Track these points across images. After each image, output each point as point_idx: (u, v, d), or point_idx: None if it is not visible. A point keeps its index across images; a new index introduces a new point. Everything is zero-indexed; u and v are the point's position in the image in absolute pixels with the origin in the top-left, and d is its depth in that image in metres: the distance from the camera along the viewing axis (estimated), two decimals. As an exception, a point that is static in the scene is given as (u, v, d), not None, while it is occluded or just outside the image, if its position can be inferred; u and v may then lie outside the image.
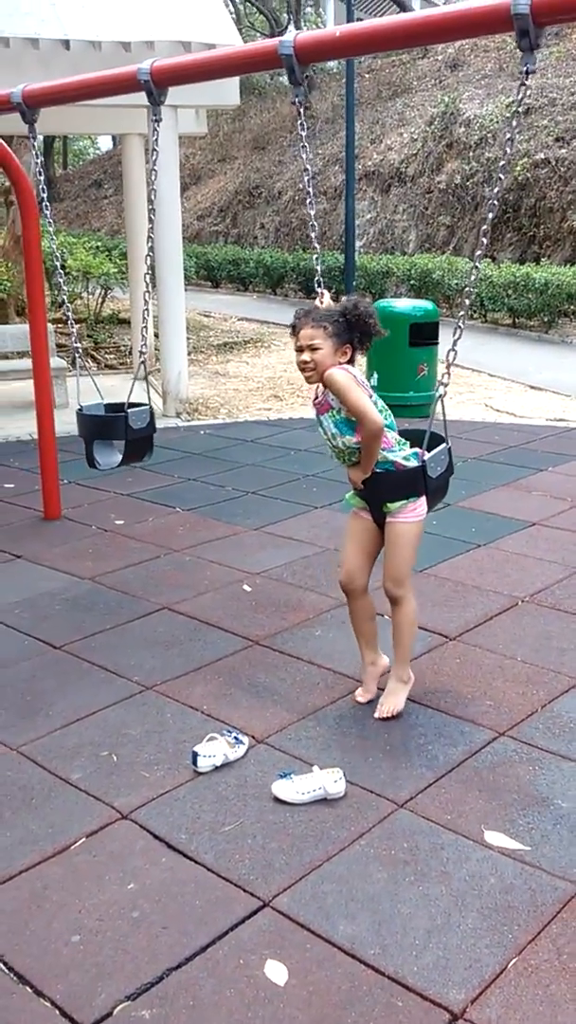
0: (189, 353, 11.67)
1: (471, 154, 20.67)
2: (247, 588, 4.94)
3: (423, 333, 9.15)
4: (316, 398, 3.46)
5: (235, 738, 3.37)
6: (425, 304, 9.50)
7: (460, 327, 3.36)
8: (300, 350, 3.33)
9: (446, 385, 3.38)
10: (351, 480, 3.49)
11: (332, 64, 25.94)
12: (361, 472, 3.41)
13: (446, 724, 3.56)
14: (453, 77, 24.03)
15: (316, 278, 3.67)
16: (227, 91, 9.48)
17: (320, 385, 3.37)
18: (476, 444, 7.99)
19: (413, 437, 3.51)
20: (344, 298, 3.45)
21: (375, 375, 9.23)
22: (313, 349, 3.29)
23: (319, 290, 3.63)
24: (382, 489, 3.43)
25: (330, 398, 3.35)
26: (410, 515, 3.46)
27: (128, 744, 3.47)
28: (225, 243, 26.51)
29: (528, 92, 2.92)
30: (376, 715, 3.59)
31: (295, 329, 3.36)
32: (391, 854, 2.80)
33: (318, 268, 3.72)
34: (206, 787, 3.18)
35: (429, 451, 3.44)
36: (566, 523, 5.88)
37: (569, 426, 8.78)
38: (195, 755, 3.26)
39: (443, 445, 3.51)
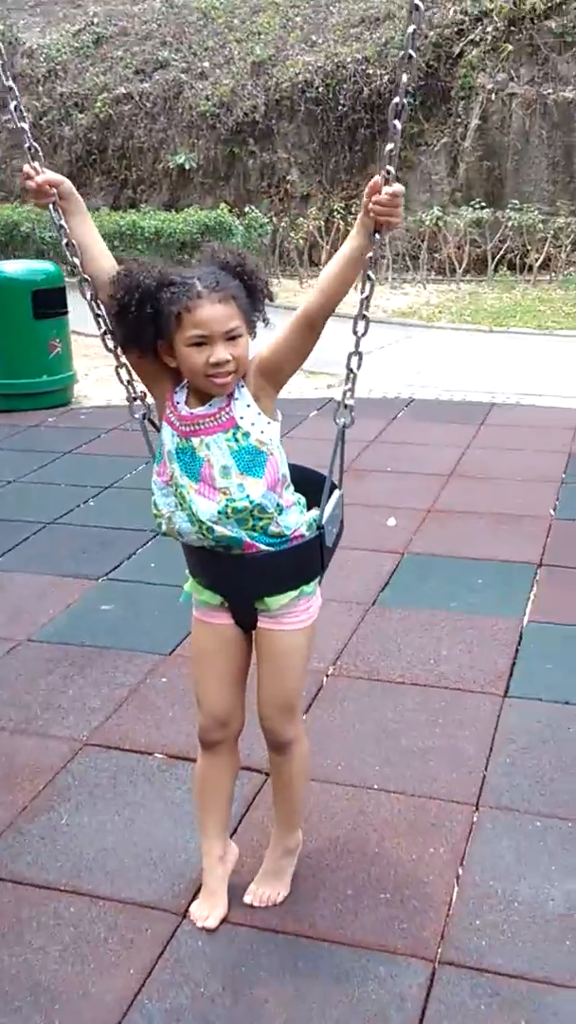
0: None
1: (40, 89, 18.40)
2: None
3: (49, 301, 7.30)
4: (186, 414, 2.13)
5: None
6: (47, 266, 7.67)
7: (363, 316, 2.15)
8: (209, 342, 2.02)
9: (350, 407, 2.23)
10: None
11: None
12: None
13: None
14: (2, 5, 21.34)
15: None
16: None
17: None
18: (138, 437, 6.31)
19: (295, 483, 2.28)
20: (212, 247, 2.18)
21: (-5, 360, 7.19)
22: (234, 339, 2.05)
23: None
24: (265, 576, 2.19)
25: (238, 407, 2.12)
26: (302, 617, 2.25)
27: None
28: None
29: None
30: (250, 901, 2.38)
31: (190, 308, 2.01)
32: None
33: None
34: None
35: (321, 506, 2.25)
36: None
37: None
38: None
39: (336, 494, 2.31)
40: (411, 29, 1.91)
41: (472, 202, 14.39)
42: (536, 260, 13.38)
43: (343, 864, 2.51)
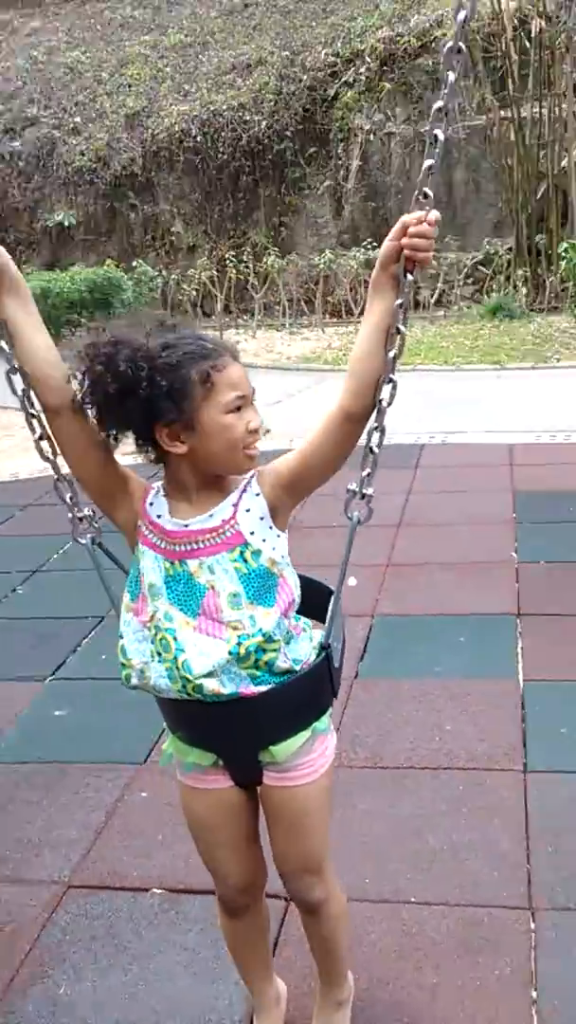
0: None
1: None
2: None
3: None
4: (175, 530, 1.69)
5: None
6: None
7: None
8: (244, 405, 1.65)
9: (368, 498, 1.79)
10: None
11: None
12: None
13: None
14: None
15: None
16: None
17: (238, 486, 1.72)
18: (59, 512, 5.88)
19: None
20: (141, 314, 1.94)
21: None
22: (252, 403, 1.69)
23: None
24: (269, 722, 1.74)
25: (248, 519, 1.68)
26: (318, 763, 1.80)
27: None
28: None
29: None
30: None
31: (219, 367, 1.62)
32: None
33: None
34: None
35: (328, 619, 1.83)
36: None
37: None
38: None
39: (333, 602, 1.83)
40: (462, 16, 1.53)
41: (363, 243, 14.43)
42: (431, 297, 13.46)
43: (399, 1001, 2.16)
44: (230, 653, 1.63)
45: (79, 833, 2.84)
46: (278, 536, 1.70)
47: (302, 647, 1.75)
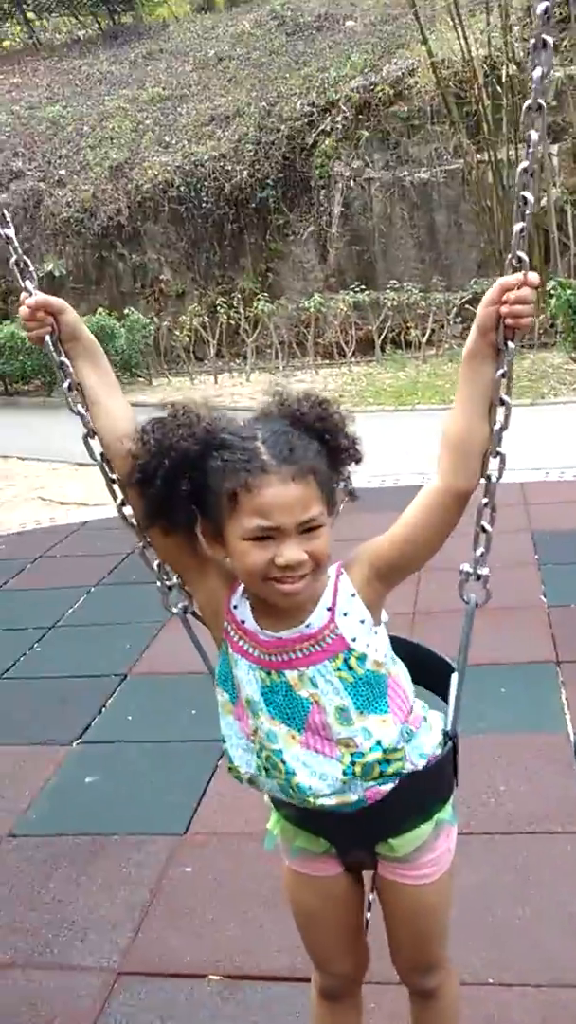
0: None
1: None
2: None
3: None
4: (268, 640, 1.52)
5: None
6: None
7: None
8: (276, 536, 1.42)
9: (484, 579, 1.65)
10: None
11: None
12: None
13: None
14: None
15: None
16: None
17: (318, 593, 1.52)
18: (71, 563, 5.77)
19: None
20: (279, 390, 1.53)
21: None
22: (312, 530, 1.43)
23: None
24: (390, 816, 1.58)
25: (348, 623, 1.50)
26: (443, 860, 1.65)
27: None
28: None
29: None
30: None
31: (251, 486, 1.40)
32: None
33: None
34: None
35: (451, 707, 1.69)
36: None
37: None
38: None
39: (456, 686, 1.70)
40: (538, 73, 1.40)
41: (352, 286, 14.50)
42: (422, 336, 13.51)
43: None
44: (344, 773, 1.50)
45: (125, 913, 2.67)
46: (377, 634, 1.55)
47: (426, 740, 1.61)
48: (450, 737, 1.65)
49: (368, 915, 1.82)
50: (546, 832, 2.84)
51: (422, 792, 1.61)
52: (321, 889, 1.69)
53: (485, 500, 1.58)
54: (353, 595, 1.52)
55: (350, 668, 1.50)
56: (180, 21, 22.93)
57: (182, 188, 16.39)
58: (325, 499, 1.46)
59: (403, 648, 1.66)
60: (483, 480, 1.55)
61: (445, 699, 1.71)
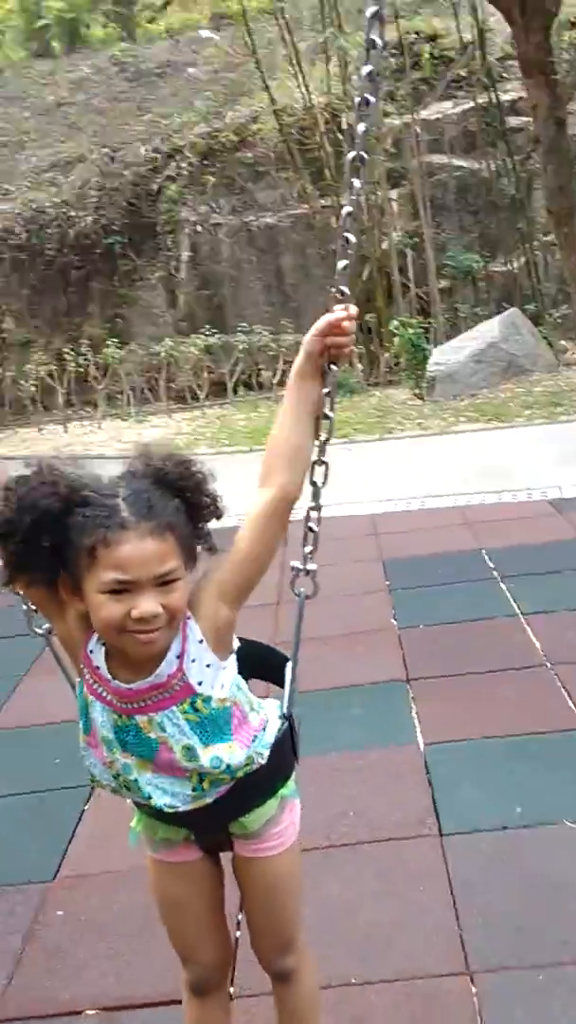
0: None
1: None
2: None
3: None
4: (121, 689, 1.62)
5: None
6: None
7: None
8: (132, 589, 1.51)
9: (312, 573, 1.90)
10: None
11: None
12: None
13: None
14: None
15: None
16: None
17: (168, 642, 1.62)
18: None
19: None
20: (143, 447, 1.65)
21: None
22: (169, 583, 1.52)
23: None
24: (240, 797, 1.74)
25: (195, 669, 1.62)
26: (288, 833, 1.82)
27: None
28: None
29: None
30: None
31: (108, 542, 1.49)
32: None
33: None
34: None
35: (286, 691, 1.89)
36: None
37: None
38: None
39: (290, 671, 1.89)
40: (361, 128, 1.66)
41: (201, 330, 14.72)
42: (274, 378, 13.84)
43: None
44: (194, 790, 1.65)
45: (-3, 962, 2.68)
46: (224, 668, 1.67)
47: (269, 736, 1.77)
48: (287, 718, 1.83)
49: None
50: (401, 838, 3.02)
51: (268, 774, 1.76)
52: (183, 875, 1.82)
53: (313, 503, 1.81)
54: (201, 641, 1.63)
55: (196, 710, 1.62)
56: (16, 66, 22.85)
57: (23, 236, 16.30)
58: (183, 554, 1.56)
59: (244, 648, 1.79)
60: (310, 486, 1.78)
61: (282, 687, 1.90)
